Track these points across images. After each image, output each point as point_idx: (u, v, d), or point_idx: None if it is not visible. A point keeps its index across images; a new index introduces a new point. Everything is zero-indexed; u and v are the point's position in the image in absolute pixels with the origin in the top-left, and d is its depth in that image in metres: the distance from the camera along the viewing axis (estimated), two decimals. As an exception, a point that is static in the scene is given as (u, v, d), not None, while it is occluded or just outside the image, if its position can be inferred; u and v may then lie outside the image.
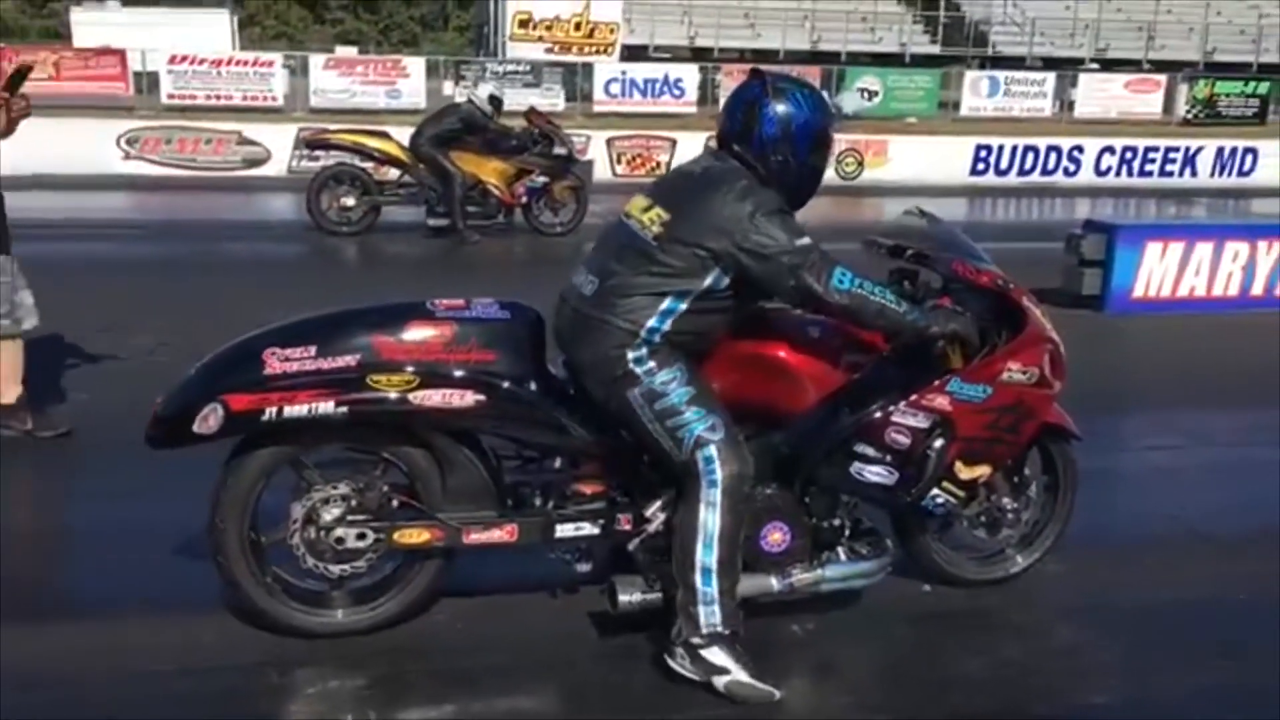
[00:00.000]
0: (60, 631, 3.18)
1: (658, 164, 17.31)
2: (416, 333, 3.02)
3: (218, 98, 19.16)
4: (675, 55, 26.44)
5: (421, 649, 3.15)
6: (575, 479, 3.24)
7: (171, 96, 18.98)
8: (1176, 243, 8.30)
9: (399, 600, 3.18)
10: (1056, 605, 3.61)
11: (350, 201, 10.50)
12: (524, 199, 10.83)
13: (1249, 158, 19.22)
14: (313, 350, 2.95)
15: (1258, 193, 17.81)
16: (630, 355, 2.96)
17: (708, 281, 2.97)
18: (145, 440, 3.01)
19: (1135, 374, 6.87)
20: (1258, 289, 8.41)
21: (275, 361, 2.93)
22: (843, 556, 3.28)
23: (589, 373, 3.07)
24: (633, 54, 25.68)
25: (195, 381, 3.00)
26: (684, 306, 2.97)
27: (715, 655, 2.90)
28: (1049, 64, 26.91)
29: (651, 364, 2.96)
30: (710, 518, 2.91)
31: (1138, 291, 8.24)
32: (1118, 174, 18.80)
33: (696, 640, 2.91)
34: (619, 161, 17.01)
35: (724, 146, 3.13)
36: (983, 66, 26.62)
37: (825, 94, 3.16)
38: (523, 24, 25.40)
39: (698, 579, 2.91)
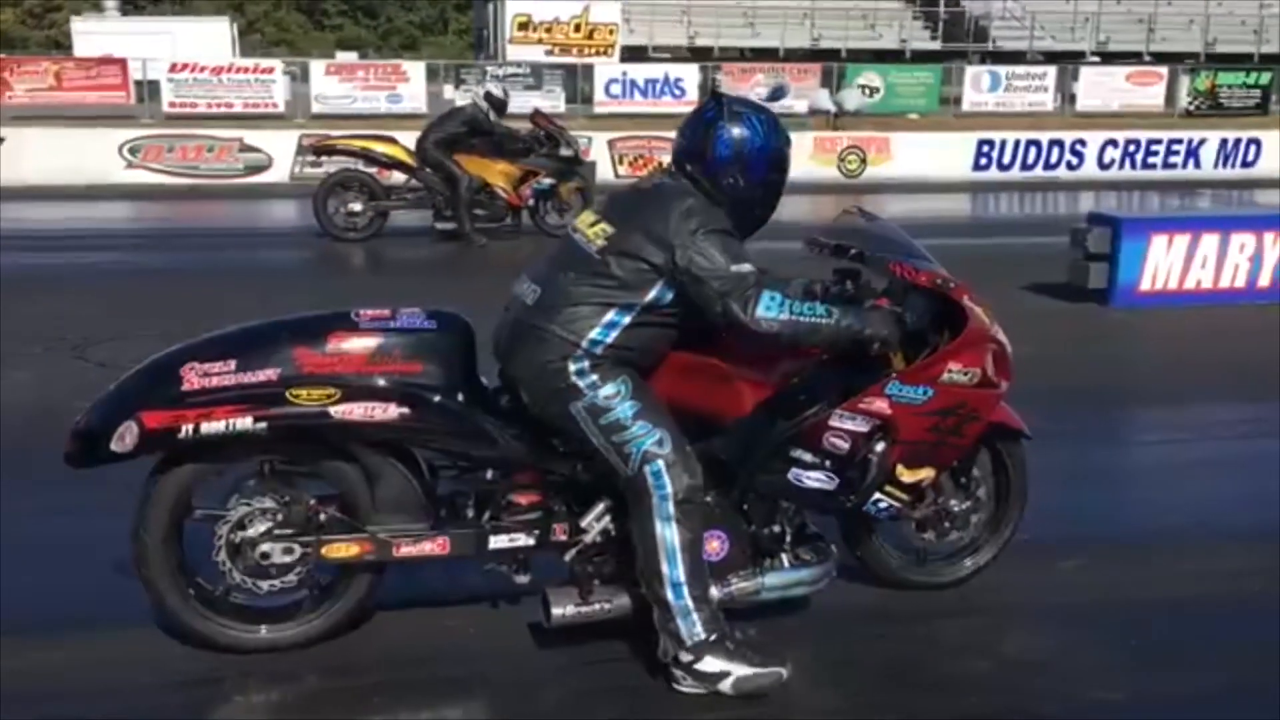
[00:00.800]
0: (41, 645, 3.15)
1: (660, 164, 17.21)
2: (339, 344, 2.97)
3: (219, 105, 19.20)
4: (675, 55, 26.47)
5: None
6: (510, 489, 3.17)
7: (173, 105, 19.01)
8: (1182, 235, 8.26)
9: (329, 615, 3.12)
10: (1066, 600, 3.59)
11: (357, 207, 10.49)
12: (531, 201, 10.81)
13: (1252, 149, 19.15)
14: (232, 364, 2.90)
15: (1262, 184, 17.74)
16: (572, 367, 2.92)
17: (651, 295, 2.94)
18: (64, 458, 2.94)
19: (1142, 367, 6.85)
20: (1264, 280, 8.36)
21: (194, 377, 2.88)
22: (785, 563, 3.21)
23: (528, 383, 3.01)
24: (633, 55, 25.70)
25: (112, 399, 2.94)
26: (627, 320, 2.94)
27: (709, 664, 2.89)
28: (1050, 58, 26.87)
29: (594, 377, 2.92)
30: (668, 532, 2.87)
31: (1144, 285, 8.20)
32: (1121, 167, 18.74)
33: (686, 657, 2.90)
34: (621, 162, 16.99)
35: (678, 166, 3.10)
36: (983, 61, 26.58)
37: (778, 121, 3.12)
38: (522, 26, 25.44)
39: (669, 594, 2.88)
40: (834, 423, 3.09)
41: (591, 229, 3.03)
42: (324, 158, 11.25)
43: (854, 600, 3.41)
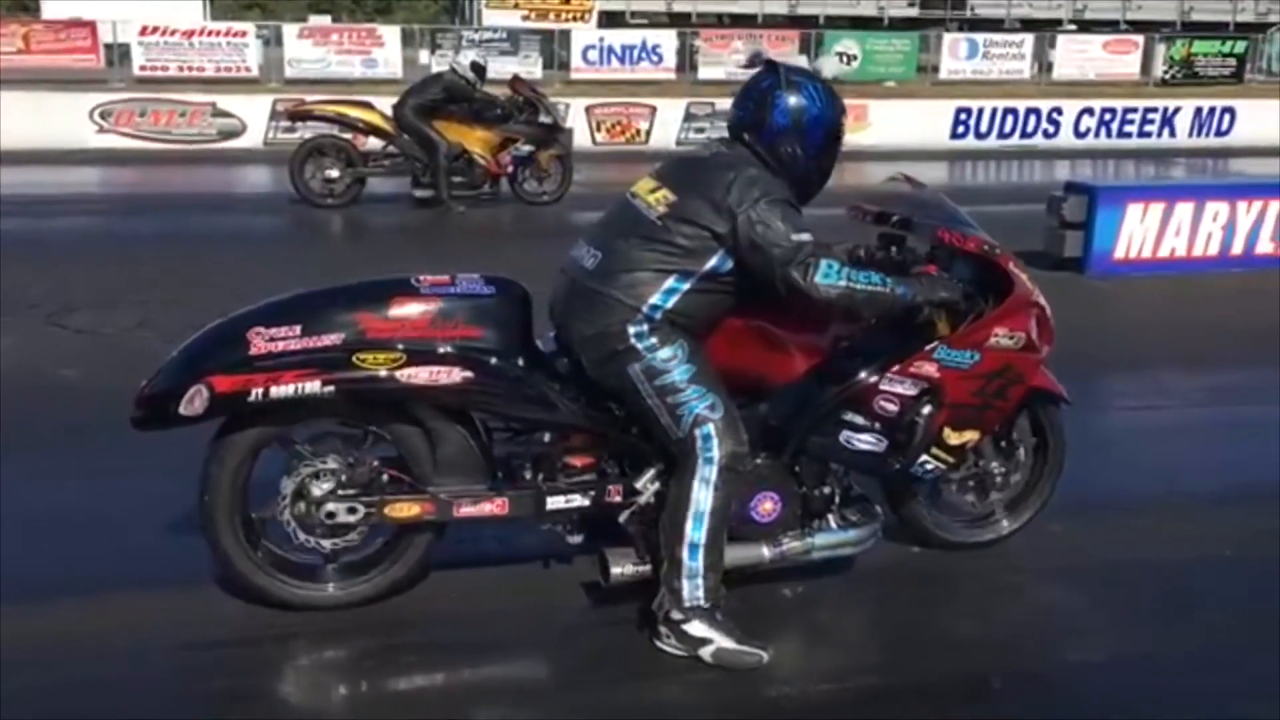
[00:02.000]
0: (55, 609, 3.17)
1: (637, 131, 17.23)
2: (402, 310, 3.01)
3: (190, 69, 18.94)
4: (653, 21, 26.32)
5: (410, 621, 3.17)
6: (565, 452, 3.23)
7: (143, 68, 18.75)
8: (1157, 204, 8.32)
9: (390, 573, 3.19)
10: (1044, 565, 3.64)
11: (334, 173, 10.41)
12: (510, 168, 10.76)
13: (1226, 117, 19.27)
14: (298, 329, 2.95)
15: (1236, 152, 17.86)
16: (632, 330, 2.97)
17: (711, 263, 2.98)
18: (130, 422, 3.00)
19: (1116, 335, 6.91)
20: (1238, 249, 8.44)
21: (260, 341, 2.92)
22: (833, 524, 3.30)
23: (587, 346, 3.05)
24: (610, 20, 25.54)
25: (179, 363, 2.99)
26: (687, 286, 2.98)
27: (696, 629, 2.95)
28: (1027, 25, 26.89)
29: (653, 340, 2.97)
30: (703, 494, 2.93)
31: (1119, 253, 8.27)
32: (1097, 135, 18.81)
33: (677, 615, 2.95)
34: (599, 129, 16.92)
35: (734, 136, 3.14)
36: (961, 29, 26.57)
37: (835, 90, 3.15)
38: (498, -10, 25.20)
39: (684, 553, 2.94)
40: (884, 386, 3.16)
41: (652, 195, 3.06)
42: (300, 123, 11.14)
43: (840, 562, 3.44)
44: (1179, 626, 3.30)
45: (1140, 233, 8.29)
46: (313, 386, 2.89)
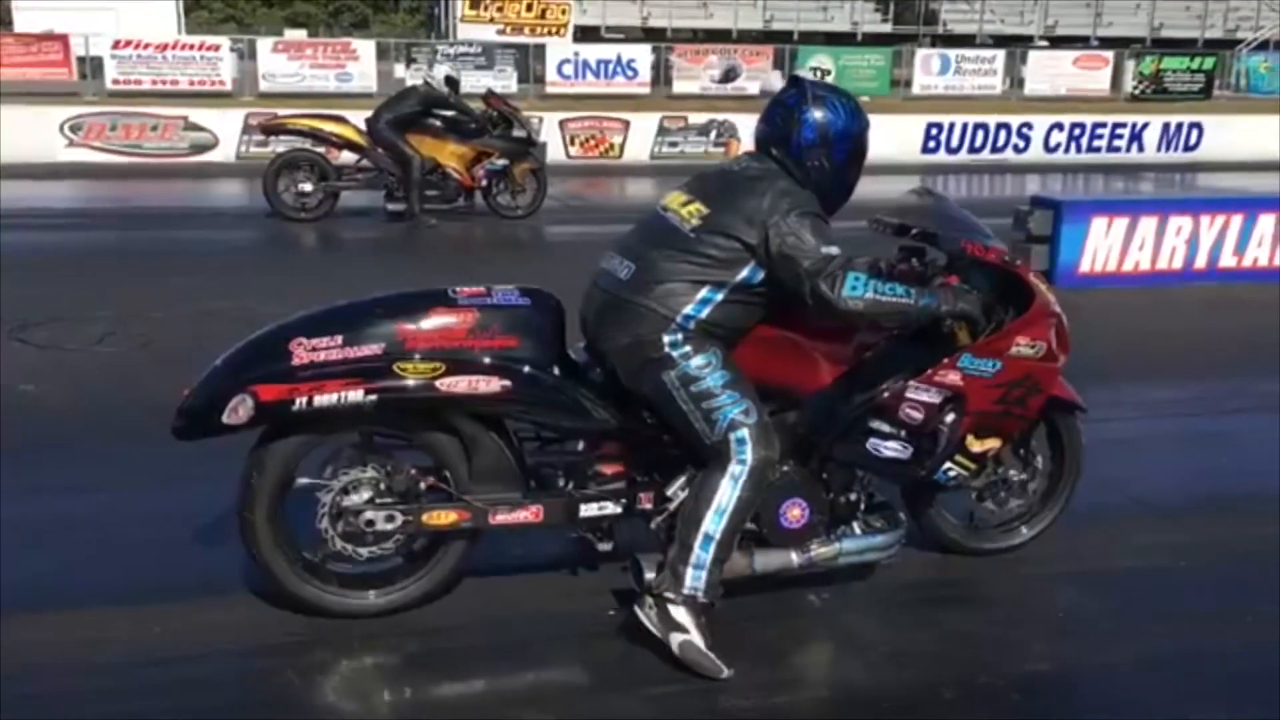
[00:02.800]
0: (45, 622, 3.17)
1: (611, 145, 17.27)
2: (440, 320, 3.08)
3: (164, 82, 18.86)
4: (628, 36, 26.41)
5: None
6: (596, 460, 3.30)
7: (116, 82, 18.65)
8: (1121, 218, 8.42)
9: (427, 580, 3.24)
10: (1007, 574, 3.67)
11: (308, 187, 10.39)
12: (484, 182, 10.77)
13: (1194, 132, 19.47)
14: (339, 339, 3.00)
15: (1203, 167, 18.07)
16: (666, 339, 3.04)
17: (744, 274, 3.05)
18: (172, 432, 3.04)
19: (1081, 347, 6.88)
20: (1201, 262, 8.54)
21: (302, 352, 2.98)
22: (857, 531, 3.37)
23: (621, 355, 3.12)
24: (585, 35, 25.62)
25: (221, 374, 3.04)
26: (720, 297, 3.05)
27: (680, 614, 2.99)
28: (999, 42, 27.13)
29: (687, 348, 3.04)
30: (730, 491, 3.00)
31: (1084, 266, 8.35)
32: (1066, 150, 18.97)
33: (670, 595, 3.00)
34: (572, 143, 16.94)
35: (763, 150, 3.20)
36: (934, 44, 26.78)
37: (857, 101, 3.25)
38: (474, 5, 25.21)
39: (697, 542, 3.00)
40: (910, 394, 3.22)
41: (685, 209, 3.14)
42: (273, 137, 11.12)
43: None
44: (1128, 635, 3.33)
45: (1105, 246, 8.37)
46: (355, 395, 2.95)
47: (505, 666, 3.08)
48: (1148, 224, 8.42)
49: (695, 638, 2.97)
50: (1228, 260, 8.58)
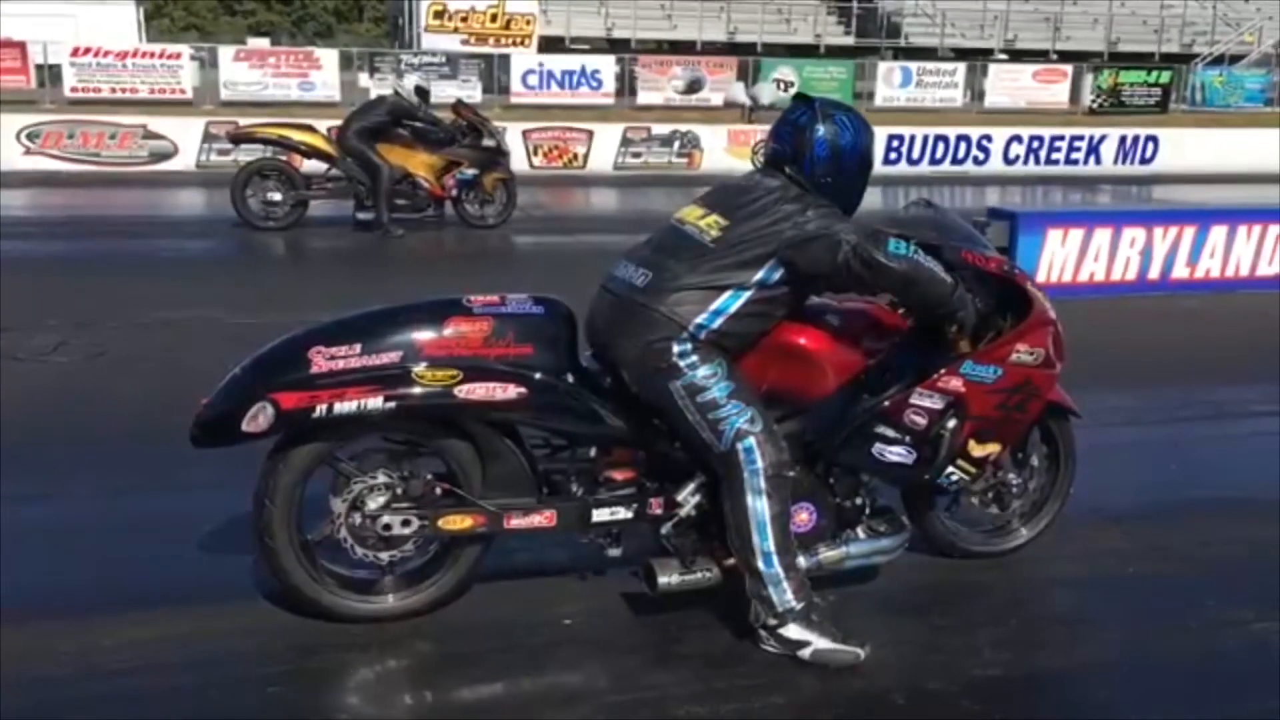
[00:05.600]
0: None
1: (574, 156, 17.29)
2: (456, 329, 3.12)
3: (123, 91, 18.73)
4: (593, 46, 26.44)
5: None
6: (607, 466, 3.35)
7: (75, 90, 18.54)
8: (1077, 229, 8.51)
9: (443, 584, 3.26)
10: (958, 582, 3.70)
11: (276, 196, 10.35)
12: (454, 191, 10.78)
13: (1150, 145, 19.75)
14: (357, 348, 3.04)
15: (1159, 180, 18.34)
16: (675, 348, 3.08)
17: (760, 274, 3.11)
18: (190, 440, 3.05)
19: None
20: (1154, 273, 8.65)
21: (321, 360, 3.01)
22: (861, 535, 3.43)
23: (630, 362, 3.16)
24: (550, 45, 25.61)
25: (240, 382, 3.05)
26: (734, 307, 3.11)
27: (794, 631, 3.08)
28: (960, 55, 27.40)
29: (694, 358, 3.09)
30: (759, 505, 3.06)
31: (1040, 277, 8.40)
32: (1025, 163, 19.18)
33: (773, 621, 3.08)
34: (536, 154, 16.95)
35: (775, 167, 3.28)
36: (895, 57, 27.03)
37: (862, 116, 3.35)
38: (438, 15, 25.18)
39: (760, 564, 3.07)
40: (914, 400, 3.30)
41: (703, 221, 3.21)
42: (242, 145, 11.05)
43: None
44: (1078, 640, 3.38)
45: (1061, 257, 8.47)
46: (375, 403, 2.98)
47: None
48: (1102, 235, 8.54)
49: (819, 642, 3.06)
50: (1180, 271, 8.70)
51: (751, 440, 3.06)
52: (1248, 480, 4.76)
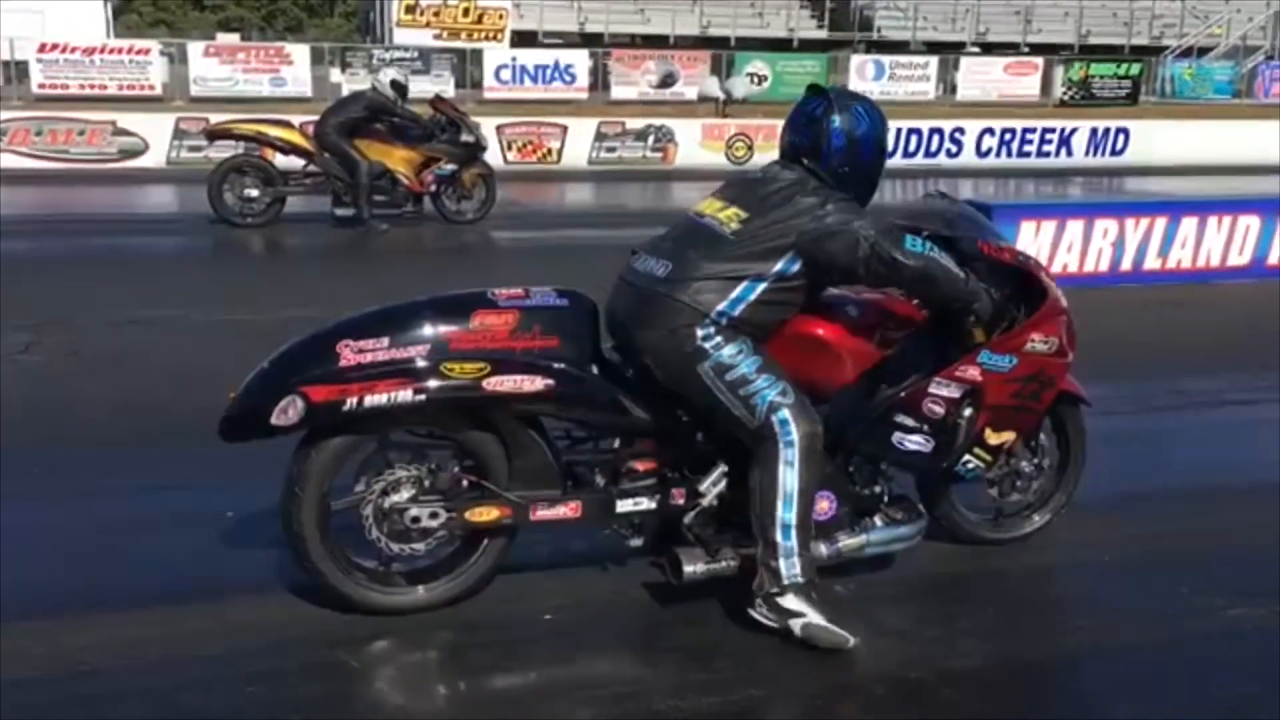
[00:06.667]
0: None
1: (549, 150, 17.25)
2: (482, 321, 3.15)
3: (92, 87, 18.53)
4: (565, 41, 26.36)
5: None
6: (630, 457, 3.37)
7: (42, 86, 18.32)
8: (1050, 221, 8.59)
9: (470, 575, 3.30)
10: (936, 573, 3.73)
11: (254, 192, 10.27)
12: (433, 187, 10.74)
13: (1121, 137, 19.89)
14: (385, 341, 3.06)
15: (1129, 171, 18.48)
16: (699, 333, 3.14)
17: (779, 265, 3.16)
18: (219, 433, 3.06)
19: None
20: (1126, 265, 8.74)
21: (349, 353, 3.03)
22: (879, 523, 3.47)
23: (654, 350, 3.21)
24: (522, 40, 25.50)
25: (269, 376, 3.07)
26: (754, 295, 3.15)
27: (791, 602, 3.12)
28: (932, 48, 27.50)
29: (719, 339, 3.15)
30: (789, 476, 3.11)
31: (1014, 269, 8.48)
32: (998, 155, 19.27)
33: (774, 590, 3.12)
34: (510, 149, 16.89)
35: (792, 159, 3.31)
36: (868, 51, 27.06)
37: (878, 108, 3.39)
38: (409, 9, 25.01)
39: (778, 534, 3.11)
40: (932, 389, 3.37)
41: (723, 213, 3.26)
42: (219, 141, 10.94)
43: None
44: (1055, 630, 3.41)
45: (1034, 249, 8.49)
46: (405, 395, 3.00)
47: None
48: (1075, 227, 8.60)
49: (813, 617, 3.10)
50: (1152, 263, 8.78)
51: (786, 412, 3.11)
52: (1220, 468, 4.82)
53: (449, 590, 3.29)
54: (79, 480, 4.22)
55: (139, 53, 19.35)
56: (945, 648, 3.25)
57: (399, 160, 10.46)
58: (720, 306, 3.15)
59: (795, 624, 3.10)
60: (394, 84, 10.62)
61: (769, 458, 3.13)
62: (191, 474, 4.21)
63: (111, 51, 19.27)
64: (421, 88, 16.14)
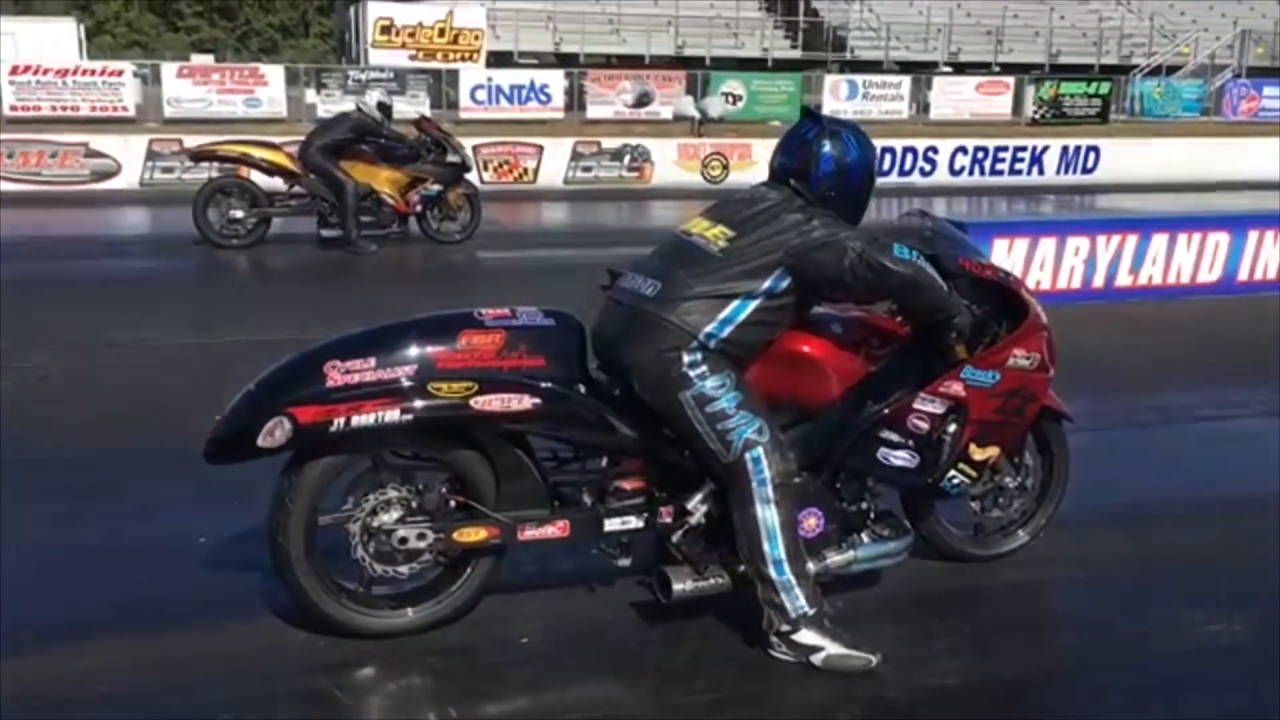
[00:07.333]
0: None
1: (525, 170, 17.26)
2: (469, 341, 3.15)
3: (64, 109, 18.44)
4: (541, 61, 26.43)
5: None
6: (617, 476, 3.39)
7: (14, 108, 18.19)
8: (1022, 239, 8.65)
9: (458, 597, 3.29)
10: (913, 590, 3.73)
11: (239, 214, 10.24)
12: (418, 207, 10.75)
13: (1091, 155, 20.09)
14: (372, 362, 3.05)
15: (1100, 189, 18.65)
16: (685, 358, 3.15)
17: (767, 283, 3.19)
18: (204, 456, 3.04)
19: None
20: (1099, 281, 8.81)
21: (336, 374, 3.02)
22: (866, 539, 3.48)
23: (640, 371, 3.21)
24: (498, 60, 25.57)
25: (255, 398, 3.05)
26: (743, 315, 3.18)
27: (806, 637, 3.13)
28: (904, 68, 27.72)
29: (704, 368, 3.15)
30: (768, 514, 3.13)
31: (988, 287, 8.53)
32: (971, 173, 19.42)
33: (786, 627, 3.14)
34: (486, 169, 16.89)
35: (780, 181, 3.35)
36: (842, 71, 27.27)
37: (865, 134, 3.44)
38: (385, 30, 25.02)
39: (772, 571, 3.14)
40: (917, 405, 3.40)
41: (710, 232, 3.29)
42: (203, 163, 10.90)
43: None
44: (1033, 647, 3.42)
45: (1007, 266, 8.52)
46: (392, 415, 2.99)
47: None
48: (1047, 244, 8.67)
49: (831, 648, 3.12)
50: (1123, 279, 8.86)
51: (759, 450, 3.12)
52: (1196, 484, 4.85)
53: (435, 613, 3.27)
54: (49, 506, 4.16)
55: (112, 74, 19.27)
56: (922, 667, 3.25)
57: (385, 181, 10.47)
58: (708, 328, 3.16)
59: (815, 659, 3.13)
60: (380, 105, 10.63)
61: (745, 498, 3.15)
62: (164, 499, 4.17)
63: (84, 73, 19.19)
64: (398, 109, 16.12)
